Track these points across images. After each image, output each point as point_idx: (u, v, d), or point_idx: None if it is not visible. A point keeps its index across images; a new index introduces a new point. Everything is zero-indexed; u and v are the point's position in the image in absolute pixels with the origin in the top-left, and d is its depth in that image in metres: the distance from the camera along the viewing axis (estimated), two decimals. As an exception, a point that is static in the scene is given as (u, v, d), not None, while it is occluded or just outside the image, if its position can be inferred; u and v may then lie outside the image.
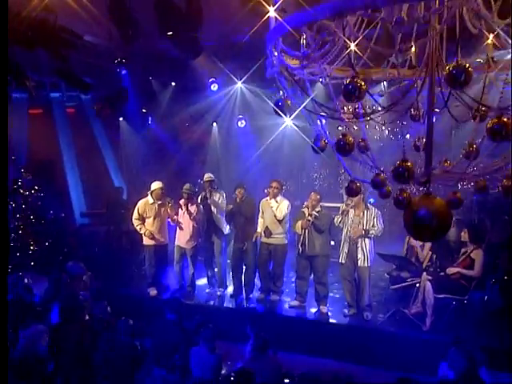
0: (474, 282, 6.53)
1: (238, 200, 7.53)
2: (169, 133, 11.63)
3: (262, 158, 11.29)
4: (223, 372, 5.77)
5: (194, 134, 11.80)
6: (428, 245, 7.25)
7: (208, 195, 7.71)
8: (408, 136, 11.74)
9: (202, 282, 8.31)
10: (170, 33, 5.29)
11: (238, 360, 5.56)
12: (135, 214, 7.84)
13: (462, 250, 6.78)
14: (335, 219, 7.08)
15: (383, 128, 10.40)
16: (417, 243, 7.28)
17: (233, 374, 4.97)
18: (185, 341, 6.07)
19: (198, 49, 5.73)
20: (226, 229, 7.97)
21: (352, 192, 3.57)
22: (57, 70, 7.56)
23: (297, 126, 11.72)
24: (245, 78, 10.65)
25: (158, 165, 10.44)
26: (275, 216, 7.35)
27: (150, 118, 11.25)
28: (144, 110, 10.97)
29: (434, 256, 7.30)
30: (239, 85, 11.06)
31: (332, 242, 9.40)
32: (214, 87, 10.87)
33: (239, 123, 11.51)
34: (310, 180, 12.09)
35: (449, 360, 4.66)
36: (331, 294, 7.58)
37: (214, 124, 11.85)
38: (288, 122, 11.83)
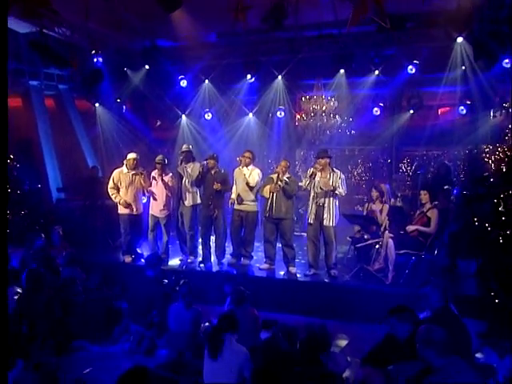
0: (430, 238, 5.99)
1: (209, 169, 6.60)
2: (142, 120, 10.69)
3: (227, 148, 10.50)
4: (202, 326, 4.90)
5: (164, 125, 10.95)
6: (385, 210, 6.66)
7: (179, 163, 6.74)
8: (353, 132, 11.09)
9: (176, 249, 7.29)
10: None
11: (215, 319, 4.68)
12: (110, 183, 6.80)
13: (419, 211, 6.20)
14: (303, 182, 6.28)
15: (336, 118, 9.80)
16: (376, 208, 6.66)
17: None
18: (163, 297, 5.12)
19: (177, 2, 4.81)
20: (189, 200, 6.84)
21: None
22: (33, 42, 6.38)
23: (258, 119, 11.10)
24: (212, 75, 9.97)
25: (132, 147, 9.27)
26: (247, 183, 6.50)
27: (124, 107, 10.16)
28: (118, 100, 9.87)
29: (388, 222, 6.71)
30: (206, 82, 10.26)
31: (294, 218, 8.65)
32: (183, 83, 10.00)
33: (206, 116, 10.67)
34: (270, 169, 11.39)
35: (425, 298, 3.93)
36: (297, 261, 6.79)
37: (183, 116, 10.91)
38: (250, 115, 11.19)
